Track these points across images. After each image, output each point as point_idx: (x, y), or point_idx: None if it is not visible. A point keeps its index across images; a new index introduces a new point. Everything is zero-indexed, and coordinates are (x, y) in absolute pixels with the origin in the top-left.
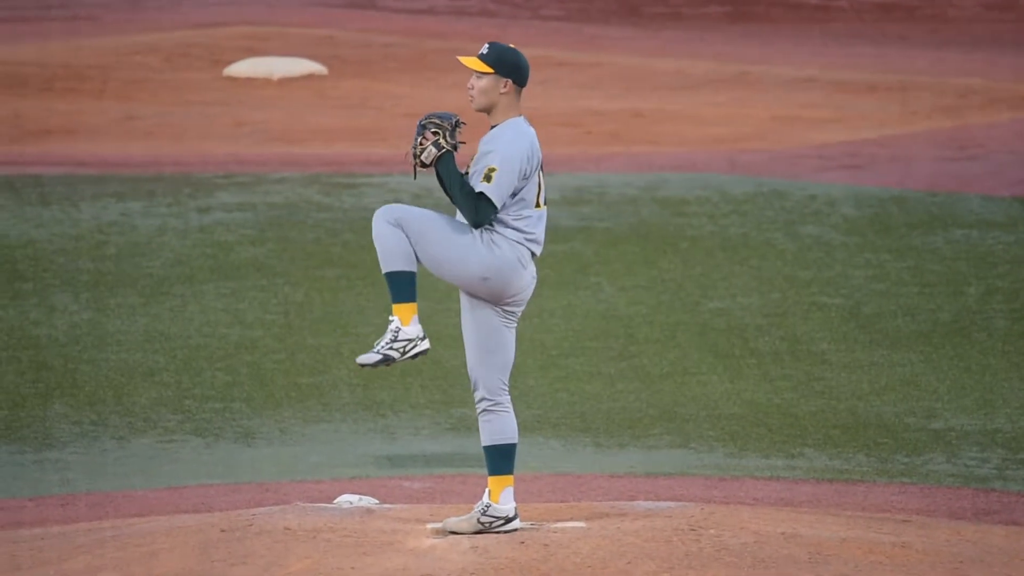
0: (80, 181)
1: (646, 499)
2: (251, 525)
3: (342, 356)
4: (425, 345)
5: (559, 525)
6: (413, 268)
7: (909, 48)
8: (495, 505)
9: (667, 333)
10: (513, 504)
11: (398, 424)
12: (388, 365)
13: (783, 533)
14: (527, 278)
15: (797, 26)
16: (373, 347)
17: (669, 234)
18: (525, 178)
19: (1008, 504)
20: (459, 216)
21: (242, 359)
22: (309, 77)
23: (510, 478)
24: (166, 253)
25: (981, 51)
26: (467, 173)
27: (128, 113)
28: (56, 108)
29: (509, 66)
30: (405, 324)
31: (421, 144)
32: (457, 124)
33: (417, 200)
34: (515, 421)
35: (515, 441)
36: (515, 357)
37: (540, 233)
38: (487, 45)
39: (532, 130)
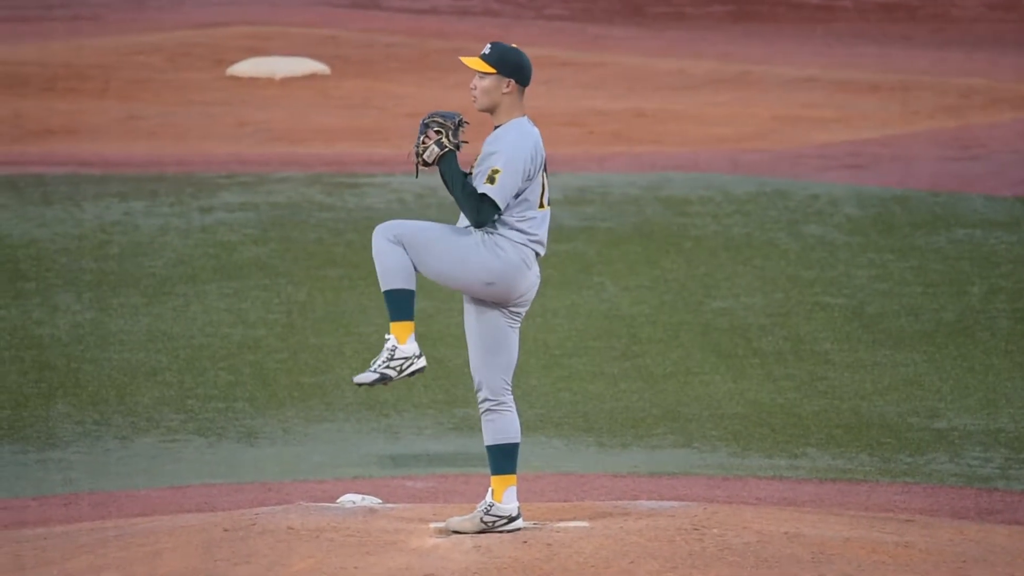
0: (83, 181)
1: (649, 499)
2: (254, 524)
3: (344, 356)
4: (422, 363)
5: (562, 525)
6: (412, 286)
7: (911, 48)
8: (498, 504)
9: (670, 333)
10: (516, 504)
11: (401, 424)
12: (385, 384)
13: (786, 533)
14: (532, 279)
15: (799, 26)
16: (369, 366)
17: (672, 234)
18: (529, 179)
19: (1011, 504)
20: (460, 219)
21: (245, 359)
22: (312, 77)
23: (513, 477)
24: (169, 253)
25: (983, 51)
26: (471, 173)
27: (130, 113)
28: (58, 108)
29: (511, 66)
30: (402, 342)
31: (424, 143)
32: (460, 123)
33: (420, 200)
34: (518, 421)
35: (518, 441)
36: (518, 357)
37: (544, 234)
38: (489, 45)
39: (536, 130)
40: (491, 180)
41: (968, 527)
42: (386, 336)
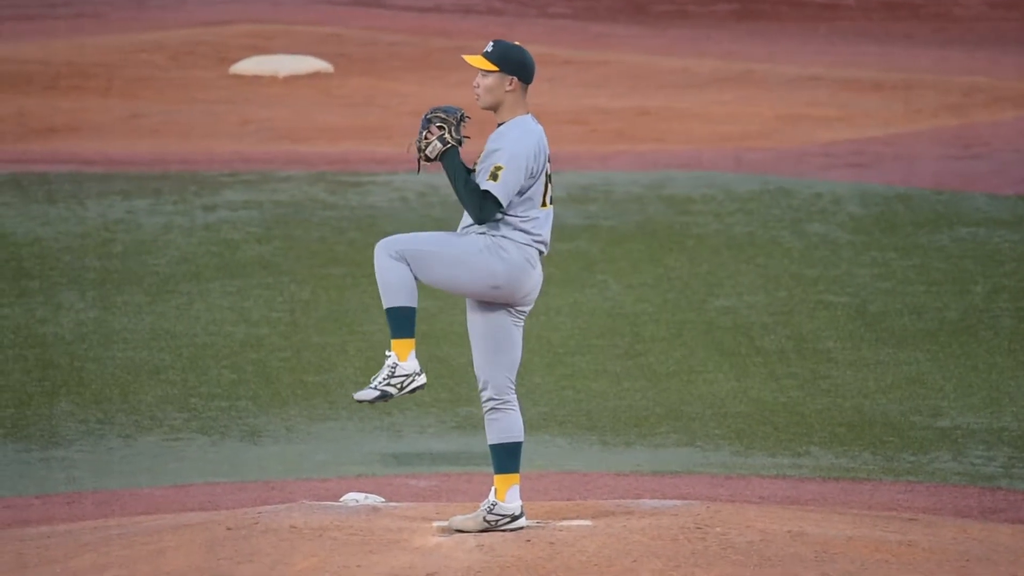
0: (86, 179)
1: (652, 497)
2: (257, 523)
3: (348, 354)
4: (422, 380)
5: (565, 523)
6: (414, 303)
7: (914, 46)
8: (501, 503)
9: (673, 331)
10: (519, 502)
11: (404, 422)
12: (385, 401)
13: (789, 531)
14: (536, 277)
15: (803, 24)
16: (370, 383)
17: (675, 232)
18: (532, 176)
19: (1014, 502)
20: (463, 219)
21: (248, 357)
22: (315, 75)
23: (516, 476)
24: (172, 251)
25: (986, 49)
26: (474, 170)
27: (134, 111)
28: (61, 106)
29: (514, 64)
30: (403, 360)
31: (426, 138)
32: (462, 118)
33: (422, 198)
34: (521, 419)
35: (521, 439)
36: (522, 355)
37: (547, 233)
38: (492, 43)
39: (540, 127)
40: (494, 177)
41: (971, 526)
42: (387, 353)
